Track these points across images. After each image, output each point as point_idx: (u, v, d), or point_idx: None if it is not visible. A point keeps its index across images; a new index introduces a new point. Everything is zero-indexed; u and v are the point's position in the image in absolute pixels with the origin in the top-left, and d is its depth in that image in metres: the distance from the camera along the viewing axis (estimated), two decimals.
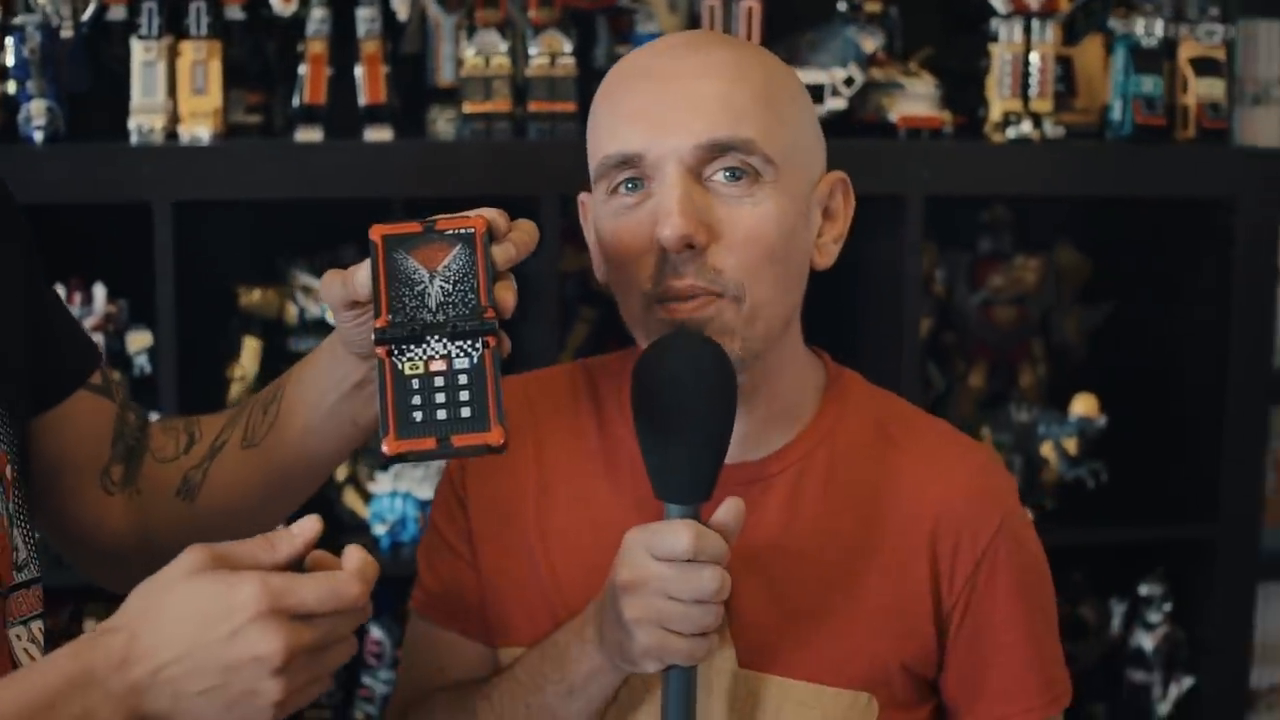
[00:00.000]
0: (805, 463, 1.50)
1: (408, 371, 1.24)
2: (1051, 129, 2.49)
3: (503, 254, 1.28)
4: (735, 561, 1.38)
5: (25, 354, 1.41)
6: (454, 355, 1.24)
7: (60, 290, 2.22)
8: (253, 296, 2.35)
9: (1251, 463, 2.56)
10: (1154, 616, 2.65)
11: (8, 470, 1.36)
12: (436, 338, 1.25)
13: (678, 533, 1.34)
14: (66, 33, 2.25)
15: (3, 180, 1.43)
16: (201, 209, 2.22)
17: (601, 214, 1.45)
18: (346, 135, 2.32)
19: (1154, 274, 2.72)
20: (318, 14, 2.31)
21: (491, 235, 1.28)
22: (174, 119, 2.27)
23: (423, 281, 1.26)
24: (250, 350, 2.33)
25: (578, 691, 1.44)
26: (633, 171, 1.41)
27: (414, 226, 1.27)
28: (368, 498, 2.39)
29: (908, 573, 1.48)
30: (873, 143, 2.43)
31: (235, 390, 2.32)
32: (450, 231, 1.27)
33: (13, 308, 1.39)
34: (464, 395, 1.23)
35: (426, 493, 2.30)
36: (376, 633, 2.45)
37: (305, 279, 2.36)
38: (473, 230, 1.27)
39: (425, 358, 1.24)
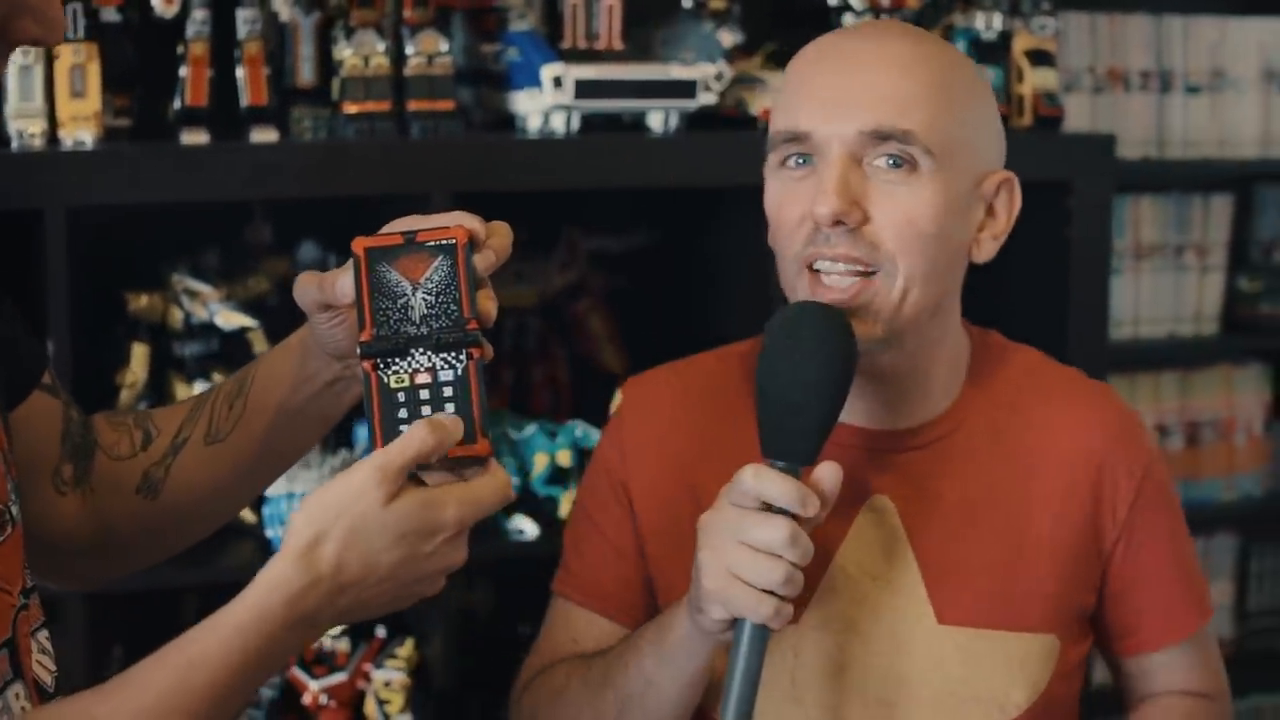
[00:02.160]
0: (966, 424, 1.60)
1: (393, 385, 1.26)
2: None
3: (483, 262, 1.31)
4: (918, 524, 1.51)
5: None
6: (438, 367, 1.27)
7: None
8: (141, 302, 2.32)
9: None
10: None
11: (10, 479, 1.35)
12: (421, 350, 1.27)
13: (750, 475, 1.40)
14: None
15: None
16: (92, 214, 2.18)
17: (770, 180, 1.55)
18: (222, 137, 2.31)
19: None
20: (199, 15, 2.29)
21: (473, 245, 1.30)
22: (52, 123, 2.23)
23: (405, 294, 1.28)
24: (139, 356, 2.29)
25: (668, 657, 1.49)
26: (800, 147, 1.51)
27: (395, 238, 1.29)
28: (259, 501, 2.38)
29: (1075, 514, 1.59)
30: (745, 136, 2.51)
31: (125, 397, 2.28)
32: (432, 243, 1.29)
33: None
34: (449, 407, 1.26)
35: None
36: None
37: (189, 282, 2.34)
38: (454, 241, 1.29)
39: (410, 370, 1.26)
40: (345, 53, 2.35)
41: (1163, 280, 3.21)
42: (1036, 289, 2.73)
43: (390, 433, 1.25)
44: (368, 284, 1.28)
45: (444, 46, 2.38)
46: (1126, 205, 3.16)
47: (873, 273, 1.49)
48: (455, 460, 1.26)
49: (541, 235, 2.69)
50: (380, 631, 2.41)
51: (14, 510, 1.32)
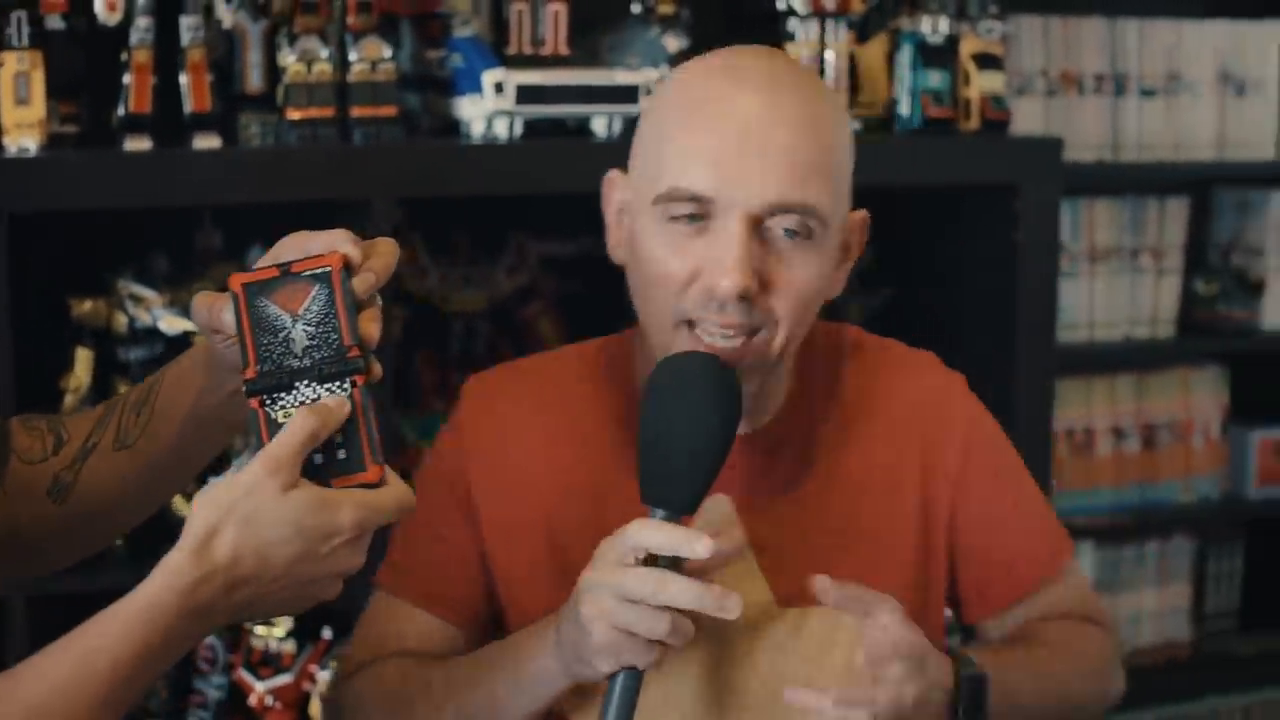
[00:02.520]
0: (794, 416, 1.61)
1: (281, 420, 1.26)
2: (852, 124, 2.61)
3: (362, 284, 1.29)
4: (755, 516, 1.50)
5: None
6: (324, 399, 1.26)
7: None
8: (84, 307, 2.33)
9: (1040, 433, 2.73)
10: None
11: None
12: (305, 382, 1.26)
13: (633, 530, 1.40)
14: None
15: None
16: (34, 220, 2.20)
17: (650, 230, 1.51)
18: (167, 144, 2.33)
19: (936, 258, 2.87)
20: (142, 23, 2.30)
21: (349, 269, 1.28)
22: None
23: (286, 327, 1.27)
24: (83, 361, 2.31)
25: (524, 687, 1.49)
26: (696, 208, 1.47)
27: (272, 271, 1.28)
28: None
29: (908, 485, 1.61)
30: None
31: (69, 401, 2.30)
32: (307, 273, 1.27)
33: None
34: (337, 438, 1.26)
35: None
36: (209, 638, 2.45)
37: (133, 288, 2.36)
38: (329, 269, 1.27)
39: (296, 404, 1.26)
40: (289, 59, 2.37)
41: (1118, 283, 3.22)
42: (985, 293, 2.75)
43: None
44: (248, 320, 1.27)
45: (387, 53, 2.40)
46: (1081, 209, 3.17)
47: (756, 331, 1.49)
48: (350, 489, 1.26)
49: (489, 240, 2.71)
50: (326, 633, 2.43)
51: None
